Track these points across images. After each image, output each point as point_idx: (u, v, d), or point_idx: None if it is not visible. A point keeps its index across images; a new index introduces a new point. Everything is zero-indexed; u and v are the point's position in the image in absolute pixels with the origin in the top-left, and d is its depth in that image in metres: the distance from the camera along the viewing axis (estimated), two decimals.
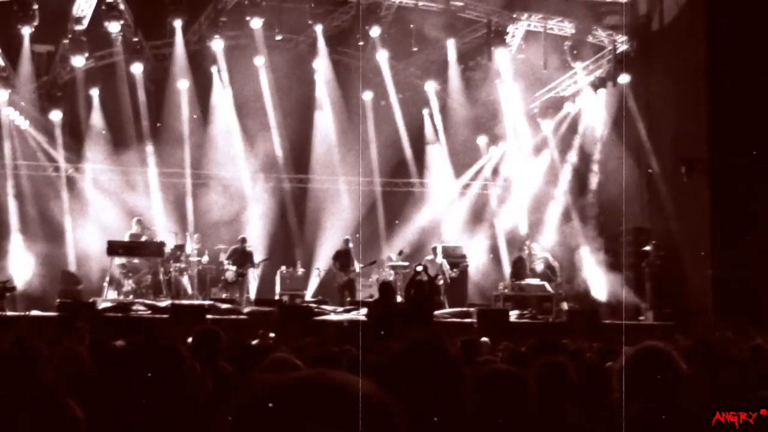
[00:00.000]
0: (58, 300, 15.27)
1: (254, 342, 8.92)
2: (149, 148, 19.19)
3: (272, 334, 9.83)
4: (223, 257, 17.56)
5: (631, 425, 2.96)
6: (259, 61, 19.25)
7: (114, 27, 17.60)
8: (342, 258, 17.63)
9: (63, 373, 4.14)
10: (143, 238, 16.80)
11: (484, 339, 9.79)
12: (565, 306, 16.74)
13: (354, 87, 20.41)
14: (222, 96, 19.52)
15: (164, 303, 15.36)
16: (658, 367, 3.09)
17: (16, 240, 17.80)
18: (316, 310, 15.52)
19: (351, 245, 17.78)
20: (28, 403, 3.03)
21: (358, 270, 17.52)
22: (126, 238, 16.74)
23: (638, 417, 2.98)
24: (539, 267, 17.36)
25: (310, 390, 1.29)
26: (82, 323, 10.69)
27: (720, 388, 4.17)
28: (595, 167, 19.20)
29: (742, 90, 15.15)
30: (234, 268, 16.97)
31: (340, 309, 16.12)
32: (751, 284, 14.65)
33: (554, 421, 3.48)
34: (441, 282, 16.64)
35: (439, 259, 17.26)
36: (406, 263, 17.60)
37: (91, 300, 15.46)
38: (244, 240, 17.36)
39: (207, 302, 15.79)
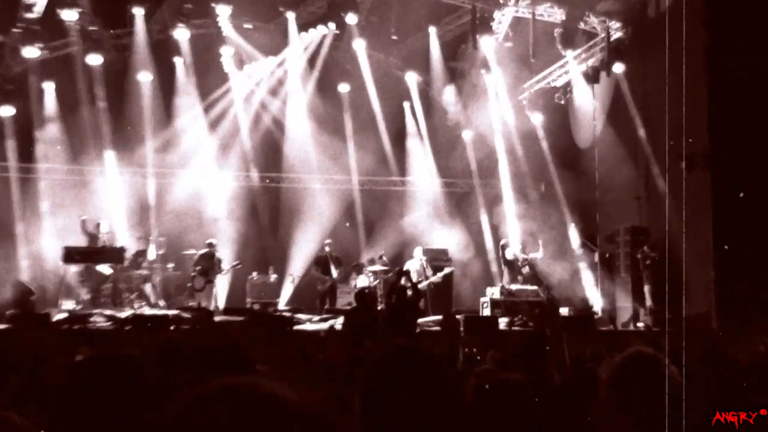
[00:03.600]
0: (9, 312, 14.38)
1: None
2: (109, 146, 18.64)
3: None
4: (191, 263, 17.06)
5: None
6: (227, 51, 18.90)
7: (70, 15, 17.02)
8: (323, 263, 17.29)
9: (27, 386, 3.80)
10: (101, 242, 16.39)
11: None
12: (566, 311, 16.06)
13: (330, 78, 20.07)
14: (187, 89, 19.06)
15: (125, 313, 14.88)
16: (646, 374, 3.01)
17: None
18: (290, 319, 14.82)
19: (329, 249, 17.43)
20: None
21: (336, 276, 17.21)
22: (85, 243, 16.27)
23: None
24: (526, 270, 16.88)
25: (242, 398, 1.31)
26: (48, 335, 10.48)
27: (724, 392, 4.12)
28: (589, 162, 18.78)
29: (745, 79, 14.69)
30: (202, 275, 16.52)
31: (316, 318, 15.60)
32: (755, 285, 13.90)
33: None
34: (424, 287, 16.14)
35: (423, 263, 16.80)
36: (387, 268, 17.23)
37: (44, 312, 14.70)
38: (212, 245, 16.85)
39: (171, 312, 15.20)
